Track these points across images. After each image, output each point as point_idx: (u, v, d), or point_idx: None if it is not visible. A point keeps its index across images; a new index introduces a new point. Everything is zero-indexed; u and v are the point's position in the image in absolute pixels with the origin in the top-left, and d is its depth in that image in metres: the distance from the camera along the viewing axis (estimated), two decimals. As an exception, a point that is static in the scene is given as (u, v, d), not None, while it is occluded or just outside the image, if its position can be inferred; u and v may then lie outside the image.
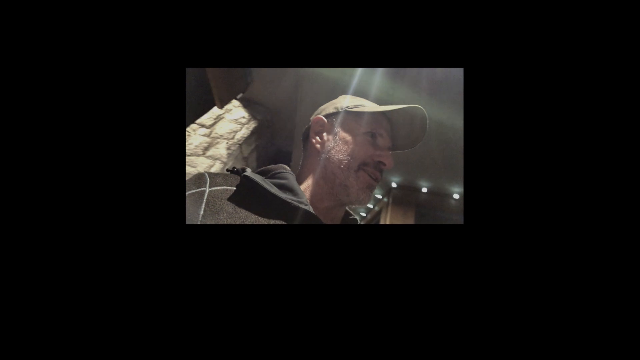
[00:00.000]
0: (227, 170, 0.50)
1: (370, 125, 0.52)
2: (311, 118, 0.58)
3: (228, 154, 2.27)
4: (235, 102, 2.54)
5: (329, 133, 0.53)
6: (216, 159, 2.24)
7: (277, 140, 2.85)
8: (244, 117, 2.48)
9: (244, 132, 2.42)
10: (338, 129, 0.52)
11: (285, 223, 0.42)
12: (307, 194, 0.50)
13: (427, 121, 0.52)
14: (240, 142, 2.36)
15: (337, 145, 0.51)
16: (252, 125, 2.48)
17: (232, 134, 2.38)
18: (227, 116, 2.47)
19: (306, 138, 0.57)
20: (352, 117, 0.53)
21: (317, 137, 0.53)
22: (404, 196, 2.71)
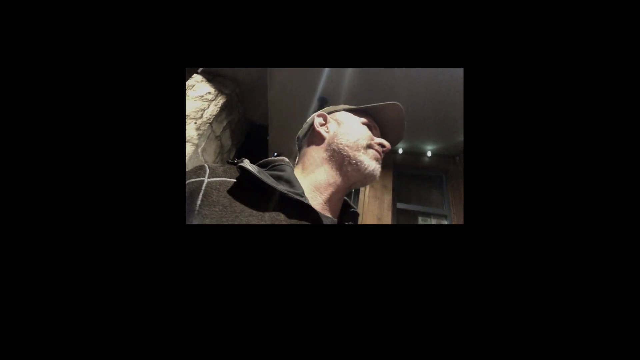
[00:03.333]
0: (227, 161, 0.51)
1: (366, 120, 0.59)
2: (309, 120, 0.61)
3: (198, 134, 2.14)
4: (197, 77, 2.33)
5: (333, 124, 0.58)
6: (186, 142, 2.11)
7: (250, 115, 2.71)
8: (209, 93, 2.30)
9: (213, 109, 2.27)
10: (342, 120, 0.58)
11: (281, 214, 0.42)
12: (313, 182, 0.52)
13: (405, 123, 0.61)
14: (210, 121, 2.22)
15: (345, 129, 0.55)
16: (220, 101, 2.31)
17: (200, 113, 2.22)
18: (191, 93, 2.27)
19: (304, 136, 0.61)
20: (351, 113, 0.60)
21: (324, 128, 0.57)
22: (382, 158, 2.78)
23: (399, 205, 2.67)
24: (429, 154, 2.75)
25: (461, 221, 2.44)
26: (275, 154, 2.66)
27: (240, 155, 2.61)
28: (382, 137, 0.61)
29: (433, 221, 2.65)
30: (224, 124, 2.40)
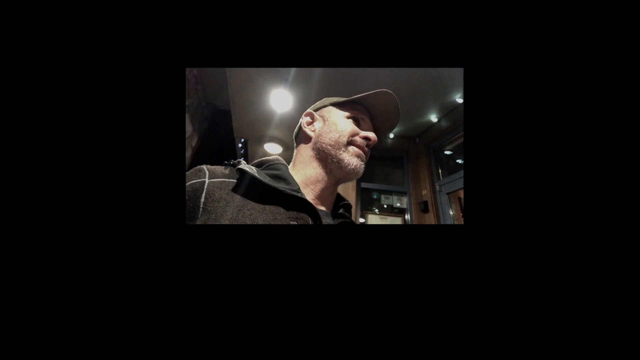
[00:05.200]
0: (224, 163, 0.52)
1: (354, 112, 0.58)
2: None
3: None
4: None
5: (319, 121, 0.59)
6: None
7: (211, 98, 2.51)
8: (163, 74, 2.07)
9: (168, 91, 2.06)
10: (327, 117, 0.58)
11: (280, 207, 0.45)
12: (303, 179, 0.54)
13: (399, 107, 0.60)
14: (165, 105, 2.01)
15: (328, 127, 0.56)
16: (176, 82, 2.10)
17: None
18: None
19: (296, 135, 0.63)
20: (338, 107, 0.60)
21: (309, 127, 0.59)
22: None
23: (363, 185, 2.79)
24: (391, 135, 2.88)
25: (420, 197, 2.65)
26: (243, 140, 2.55)
27: (204, 142, 2.44)
28: (374, 125, 0.62)
29: (394, 198, 2.83)
30: (182, 108, 2.20)
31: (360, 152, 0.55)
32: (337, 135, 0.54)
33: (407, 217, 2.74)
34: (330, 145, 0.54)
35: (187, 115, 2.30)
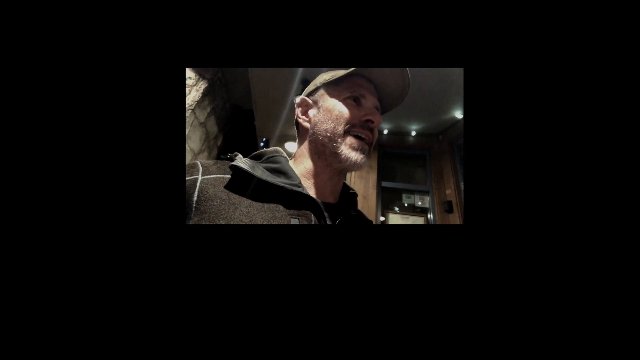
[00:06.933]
0: (221, 157, 0.50)
1: (351, 89, 0.51)
2: (295, 100, 0.58)
3: (182, 121, 2.08)
4: (176, 61, 2.21)
5: (313, 109, 0.54)
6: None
7: (235, 100, 2.62)
8: (190, 78, 2.20)
9: (194, 95, 2.18)
10: (321, 102, 0.52)
11: (280, 205, 0.43)
12: (304, 172, 0.51)
13: (408, 72, 0.51)
14: (192, 107, 2.14)
15: (322, 116, 0.51)
16: (202, 86, 2.22)
17: (181, 99, 2.14)
18: (170, 78, 2.17)
19: (297, 126, 0.58)
20: (332, 88, 0.53)
21: (304, 117, 0.54)
22: (373, 135, 2.84)
23: (384, 184, 2.76)
24: (414, 133, 2.82)
25: (443, 197, 2.57)
26: (264, 139, 2.64)
27: (228, 142, 2.56)
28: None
29: (416, 197, 2.78)
30: (208, 110, 2.32)
31: (359, 142, 0.49)
32: (332, 125, 0.48)
33: (430, 216, 2.67)
34: (326, 137, 0.48)
35: (213, 117, 2.42)
